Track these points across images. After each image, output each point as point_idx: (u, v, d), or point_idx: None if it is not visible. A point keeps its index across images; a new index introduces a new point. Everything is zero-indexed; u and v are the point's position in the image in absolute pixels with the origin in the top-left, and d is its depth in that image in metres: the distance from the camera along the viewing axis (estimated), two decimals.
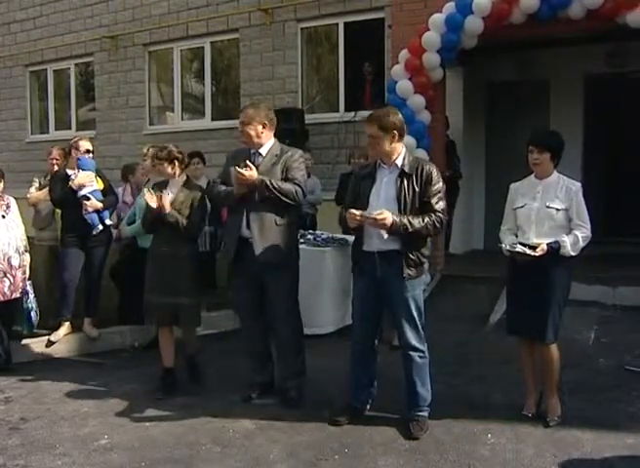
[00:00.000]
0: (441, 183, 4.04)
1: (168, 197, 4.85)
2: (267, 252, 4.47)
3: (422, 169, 4.01)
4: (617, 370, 5.05)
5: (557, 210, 4.11)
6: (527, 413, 4.25)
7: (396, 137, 4.01)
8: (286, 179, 4.52)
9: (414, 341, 4.07)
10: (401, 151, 4.07)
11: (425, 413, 4.15)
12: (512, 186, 4.41)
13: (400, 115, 4.12)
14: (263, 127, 4.57)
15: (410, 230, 3.88)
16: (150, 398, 4.77)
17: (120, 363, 5.74)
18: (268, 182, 4.41)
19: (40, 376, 5.32)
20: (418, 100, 7.03)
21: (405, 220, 3.87)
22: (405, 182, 3.99)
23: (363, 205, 4.05)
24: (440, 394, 4.31)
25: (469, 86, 8.89)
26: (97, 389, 5.03)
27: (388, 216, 3.84)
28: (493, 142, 9.24)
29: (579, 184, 4.19)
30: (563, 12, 6.45)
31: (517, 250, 4.07)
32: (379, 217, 3.84)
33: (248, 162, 4.45)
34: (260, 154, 4.62)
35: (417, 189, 3.98)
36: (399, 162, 4.04)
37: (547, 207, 4.13)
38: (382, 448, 3.90)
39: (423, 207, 3.96)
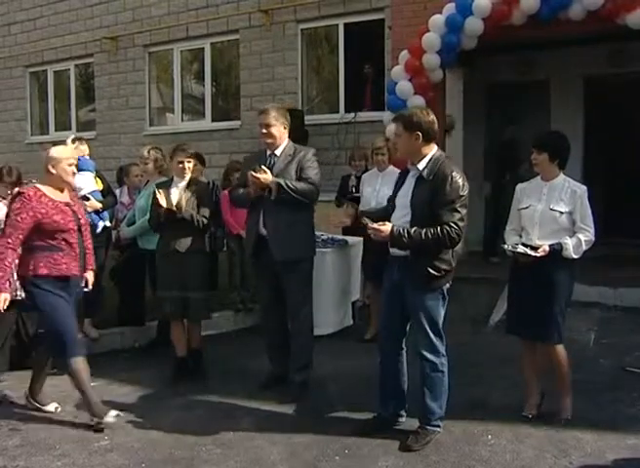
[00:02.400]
0: (459, 192, 3.79)
1: (176, 195, 5.05)
2: (282, 249, 4.65)
3: (440, 175, 3.79)
4: (617, 371, 5.05)
5: (561, 212, 4.10)
6: (527, 415, 4.24)
7: (420, 138, 3.84)
8: (300, 179, 4.69)
9: (424, 350, 3.93)
10: (427, 154, 3.89)
11: (431, 428, 3.97)
12: (519, 187, 4.40)
13: (431, 117, 3.91)
14: (284, 128, 4.80)
15: (408, 242, 3.75)
16: (150, 400, 4.77)
17: (121, 364, 5.73)
18: (284, 184, 4.57)
19: None
20: (417, 102, 7.02)
21: (404, 232, 3.74)
22: (420, 188, 3.85)
23: (393, 207, 4.04)
24: None
25: (469, 87, 8.88)
26: (97, 390, 5.02)
27: (385, 229, 3.77)
28: (492, 143, 9.24)
29: (584, 187, 4.17)
30: (563, 13, 6.45)
31: (518, 250, 4.07)
32: (375, 227, 3.80)
33: (263, 166, 4.62)
34: (275, 155, 4.80)
35: (429, 196, 3.79)
36: (421, 165, 3.88)
37: (551, 209, 4.12)
38: (383, 448, 3.89)
39: (436, 216, 3.76)
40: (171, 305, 5.12)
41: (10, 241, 4.14)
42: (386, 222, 3.83)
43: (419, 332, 3.95)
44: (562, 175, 4.22)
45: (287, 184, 4.58)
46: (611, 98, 8.64)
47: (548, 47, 7.94)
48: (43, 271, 4.22)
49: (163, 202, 4.99)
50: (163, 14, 10.95)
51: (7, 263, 4.13)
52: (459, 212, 3.79)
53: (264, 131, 4.75)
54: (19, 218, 4.16)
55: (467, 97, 8.86)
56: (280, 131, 4.77)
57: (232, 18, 10.19)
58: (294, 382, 4.79)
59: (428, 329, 3.90)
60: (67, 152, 4.48)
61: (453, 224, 3.74)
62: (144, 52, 11.36)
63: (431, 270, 3.81)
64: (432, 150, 3.92)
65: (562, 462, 3.68)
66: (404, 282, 3.93)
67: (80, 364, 4.29)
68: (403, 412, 4.20)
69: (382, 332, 4.24)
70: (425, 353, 3.93)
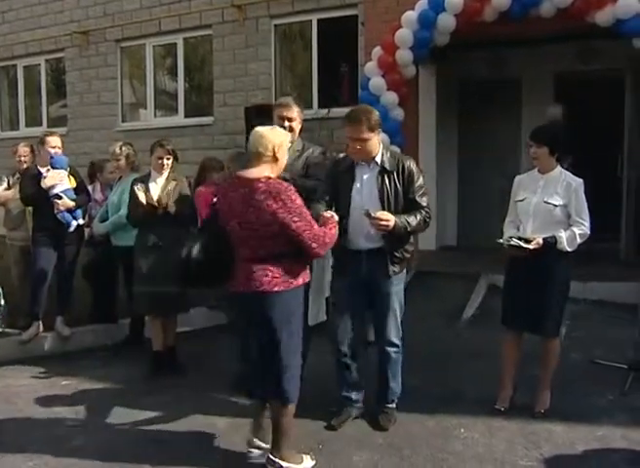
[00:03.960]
0: (422, 179, 4.00)
1: (156, 190, 5.07)
2: None
3: (403, 165, 3.95)
4: (587, 364, 5.12)
5: (555, 205, 4.14)
6: (499, 407, 4.29)
7: (379, 135, 3.96)
8: (306, 176, 4.59)
9: (393, 337, 4.06)
10: (379, 147, 3.99)
11: (394, 405, 4.21)
12: (516, 178, 4.46)
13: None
14: (300, 123, 4.70)
15: (409, 229, 3.86)
16: (123, 398, 4.74)
17: (93, 362, 5.68)
18: (289, 179, 4.46)
19: (11, 376, 5.26)
20: (391, 97, 7.05)
21: (403, 220, 3.83)
22: (387, 180, 3.93)
23: (346, 202, 4.00)
24: (414, 389, 4.35)
25: (442, 83, 8.93)
26: (69, 389, 4.99)
27: (392, 218, 3.79)
28: (465, 139, 9.30)
29: (580, 180, 4.21)
30: (534, 10, 6.52)
31: (512, 243, 4.08)
32: (383, 217, 3.77)
33: None
34: None
35: (399, 187, 3.93)
36: (378, 159, 3.95)
37: (545, 202, 4.15)
38: (357, 443, 3.92)
39: (409, 204, 3.93)
40: (150, 300, 5.08)
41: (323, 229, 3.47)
42: (386, 213, 3.81)
43: (390, 320, 4.04)
44: (559, 168, 4.26)
45: (294, 180, 4.49)
46: (580, 96, 8.73)
47: (520, 44, 7.99)
48: (300, 280, 3.47)
49: (143, 199, 4.97)
50: (135, 8, 10.81)
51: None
52: (427, 195, 4.05)
53: (286, 124, 4.65)
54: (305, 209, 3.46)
55: (440, 92, 8.90)
56: (298, 126, 4.68)
57: (205, 13, 10.10)
58: None
59: (398, 313, 4.06)
60: (283, 133, 3.66)
61: (427, 207, 3.99)
62: (116, 47, 11.22)
63: (405, 253, 4.02)
64: (380, 142, 4.04)
65: (533, 454, 3.74)
66: (373, 274, 3.98)
67: (293, 409, 3.54)
68: (361, 399, 4.31)
69: (342, 330, 4.17)
70: (393, 339, 4.08)
